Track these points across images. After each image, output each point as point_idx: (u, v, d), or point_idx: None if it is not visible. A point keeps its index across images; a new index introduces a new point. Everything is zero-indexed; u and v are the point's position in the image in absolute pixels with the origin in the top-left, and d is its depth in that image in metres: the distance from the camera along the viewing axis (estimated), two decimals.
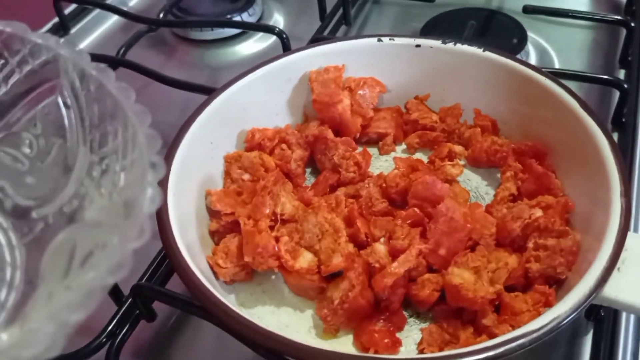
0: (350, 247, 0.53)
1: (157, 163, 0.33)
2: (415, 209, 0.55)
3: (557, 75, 0.75)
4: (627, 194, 0.49)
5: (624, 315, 0.56)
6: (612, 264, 0.45)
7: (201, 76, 0.89)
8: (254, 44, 0.97)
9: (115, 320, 0.58)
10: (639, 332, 0.56)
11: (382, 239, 0.55)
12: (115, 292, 0.60)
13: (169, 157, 0.54)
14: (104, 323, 0.57)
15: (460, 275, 0.50)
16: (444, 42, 0.64)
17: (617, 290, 0.46)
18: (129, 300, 0.58)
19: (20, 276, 0.38)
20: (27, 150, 0.42)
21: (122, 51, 0.87)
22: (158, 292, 0.58)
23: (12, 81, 0.42)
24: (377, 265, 0.51)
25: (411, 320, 0.53)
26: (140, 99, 0.37)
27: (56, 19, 1.00)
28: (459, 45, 0.63)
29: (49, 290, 0.34)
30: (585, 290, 0.44)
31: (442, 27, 0.88)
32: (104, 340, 0.57)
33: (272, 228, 0.54)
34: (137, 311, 0.59)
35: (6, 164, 0.42)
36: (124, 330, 0.58)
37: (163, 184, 0.51)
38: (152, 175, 0.32)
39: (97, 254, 0.33)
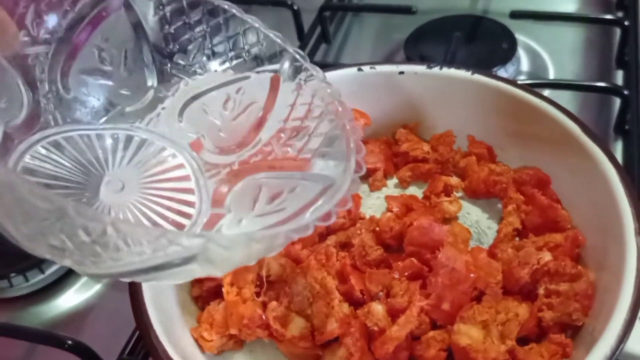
0: (345, 308, 0.49)
1: None
2: (413, 259, 0.51)
3: (553, 87, 0.71)
4: None
5: None
6: (633, 315, 0.41)
7: None
8: None
9: None
10: None
11: (379, 294, 0.50)
12: None
13: None
14: None
15: (467, 334, 0.45)
16: (429, 67, 0.59)
17: None
18: None
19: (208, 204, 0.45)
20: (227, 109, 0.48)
21: None
22: None
23: None
24: (375, 328, 0.47)
25: None
26: None
27: None
28: (445, 70, 0.59)
29: (239, 217, 0.43)
30: (606, 350, 0.39)
31: (427, 38, 0.83)
32: None
33: (258, 294, 0.50)
34: None
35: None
36: None
37: None
38: None
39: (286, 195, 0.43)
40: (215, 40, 0.46)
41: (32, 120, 0.42)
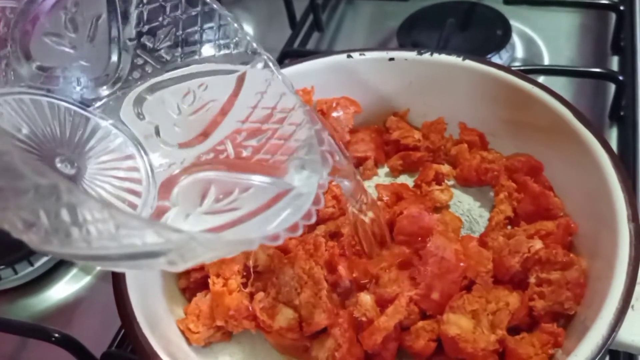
0: (334, 299, 0.48)
1: None
2: (403, 247, 0.50)
3: (547, 73, 0.70)
4: (635, 218, 0.43)
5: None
6: (625, 304, 0.40)
7: None
8: None
9: None
10: None
11: (368, 284, 0.49)
12: (87, 359, 0.56)
13: None
14: None
15: (456, 324, 0.44)
16: (420, 53, 0.58)
17: (634, 333, 0.40)
18: None
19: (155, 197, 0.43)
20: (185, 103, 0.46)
21: None
22: None
23: None
24: (364, 319, 0.46)
25: None
26: None
27: None
28: (436, 55, 0.58)
29: (186, 212, 0.42)
30: (597, 339, 0.39)
31: (420, 26, 0.82)
32: None
33: (245, 284, 0.49)
34: None
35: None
36: None
37: None
38: None
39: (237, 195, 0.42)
40: (189, 30, 0.44)
41: None
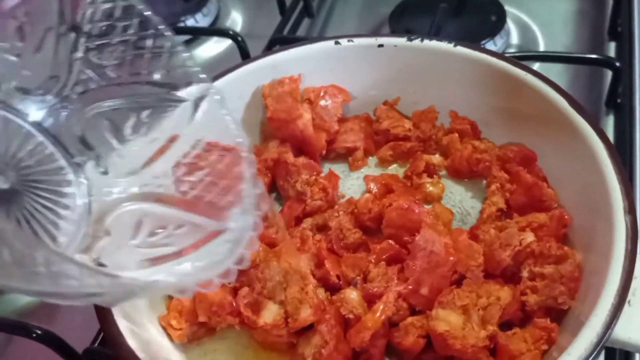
0: (321, 294, 0.46)
1: None
2: (391, 242, 0.48)
3: (542, 59, 0.68)
4: (631, 210, 0.42)
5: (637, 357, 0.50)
6: (621, 300, 0.38)
7: None
8: (211, 47, 0.89)
9: None
10: None
11: (356, 279, 0.48)
12: (70, 357, 0.54)
13: None
14: None
15: (445, 320, 0.43)
16: (410, 39, 0.56)
17: (630, 330, 0.39)
18: None
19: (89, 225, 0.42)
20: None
21: None
22: (110, 357, 0.52)
23: None
24: (351, 316, 0.44)
25: None
26: None
27: None
28: (426, 42, 0.56)
29: (118, 243, 0.41)
30: (592, 336, 0.37)
31: (412, 12, 0.80)
32: None
33: None
34: None
35: None
36: None
37: None
38: None
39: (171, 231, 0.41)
40: (138, 52, 0.42)
41: None
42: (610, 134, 0.65)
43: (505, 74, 0.53)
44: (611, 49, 0.74)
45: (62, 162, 0.43)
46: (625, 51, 0.69)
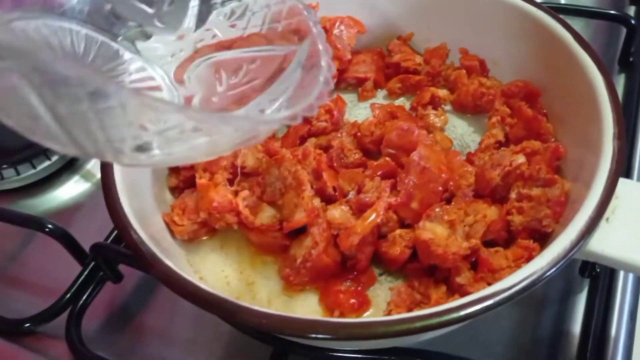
0: (316, 202, 0.48)
1: None
2: (388, 159, 0.50)
3: (558, 11, 0.68)
4: (620, 135, 0.43)
5: (621, 272, 0.51)
6: (599, 213, 0.40)
7: None
8: None
9: (78, 282, 0.55)
10: (638, 290, 0.51)
11: (351, 193, 0.50)
12: (78, 253, 0.57)
13: None
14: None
15: (431, 230, 0.45)
16: None
17: (605, 244, 0.40)
18: (92, 262, 0.55)
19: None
20: None
21: None
22: (118, 253, 0.55)
23: None
24: (340, 232, 0.46)
25: (382, 278, 0.48)
26: None
27: None
28: None
29: (210, 95, 0.44)
30: (566, 243, 0.38)
31: None
32: (66, 302, 0.54)
33: (232, 182, 0.50)
34: (102, 273, 0.56)
35: None
36: (88, 292, 0.55)
37: None
38: None
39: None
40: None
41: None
42: (620, 93, 0.65)
43: (517, 11, 0.54)
44: (631, 11, 0.74)
45: (115, 45, 0.45)
46: None
